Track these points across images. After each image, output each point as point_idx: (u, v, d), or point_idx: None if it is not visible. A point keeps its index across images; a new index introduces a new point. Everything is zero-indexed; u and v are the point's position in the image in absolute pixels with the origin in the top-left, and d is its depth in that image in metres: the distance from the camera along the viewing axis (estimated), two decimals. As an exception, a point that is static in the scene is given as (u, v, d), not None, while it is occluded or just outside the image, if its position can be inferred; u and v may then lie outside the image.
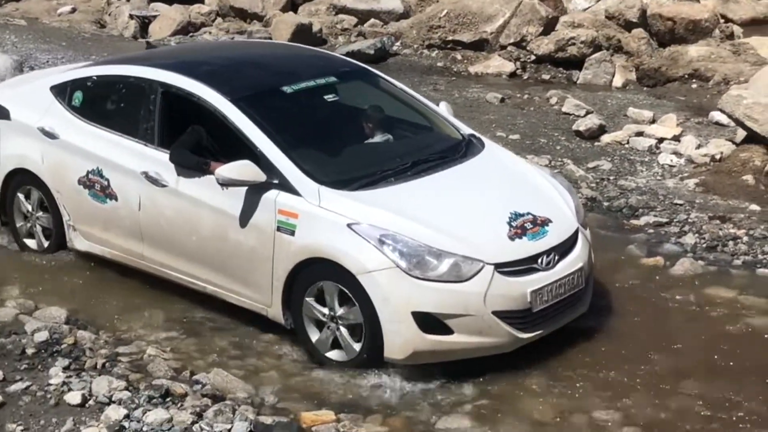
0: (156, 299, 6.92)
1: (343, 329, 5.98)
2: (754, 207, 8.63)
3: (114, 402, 5.46)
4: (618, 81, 13.65)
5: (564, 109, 11.69)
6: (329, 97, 6.93)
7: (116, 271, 7.24)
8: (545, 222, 6.17)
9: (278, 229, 6.08)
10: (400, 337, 5.75)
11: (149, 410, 5.34)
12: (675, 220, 8.41)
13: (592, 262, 6.49)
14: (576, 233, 6.32)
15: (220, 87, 6.60)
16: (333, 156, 6.55)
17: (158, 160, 6.67)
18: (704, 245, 7.93)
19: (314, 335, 6.11)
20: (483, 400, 5.70)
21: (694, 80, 13.41)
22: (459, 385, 5.80)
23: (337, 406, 5.68)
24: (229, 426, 5.23)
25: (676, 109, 11.96)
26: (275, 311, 6.23)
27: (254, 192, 6.19)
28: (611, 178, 9.49)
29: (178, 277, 6.75)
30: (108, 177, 6.93)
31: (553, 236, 6.13)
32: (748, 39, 14.88)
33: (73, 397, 5.49)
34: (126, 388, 5.59)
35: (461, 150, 6.75)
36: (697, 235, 8.09)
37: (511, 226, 6.05)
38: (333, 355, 6.06)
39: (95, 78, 7.39)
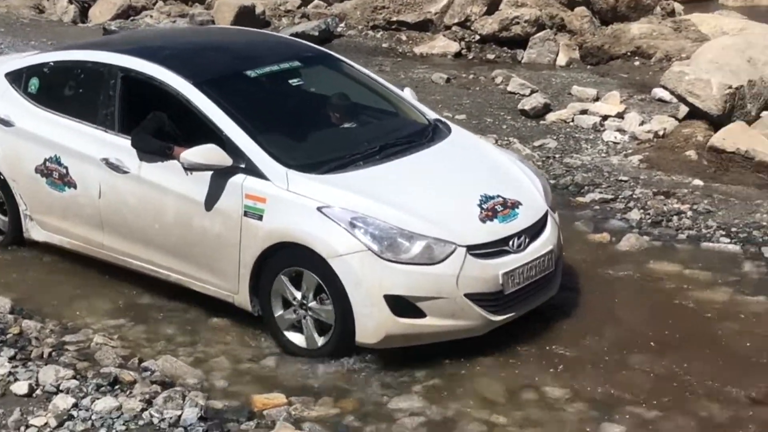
0: (104, 287, 6.85)
1: (309, 320, 5.91)
2: (698, 182, 8.74)
3: (62, 391, 5.38)
4: (562, 59, 13.75)
5: (509, 89, 11.74)
6: (293, 82, 6.87)
7: (64, 260, 7.15)
8: (515, 204, 6.13)
9: (245, 214, 5.96)
10: (373, 321, 5.68)
11: (98, 398, 5.28)
12: (620, 196, 8.50)
13: (561, 244, 6.48)
14: (545, 216, 6.29)
15: (181, 71, 6.48)
16: (299, 140, 6.47)
17: (119, 146, 6.53)
18: (649, 221, 8.02)
19: (278, 310, 6.01)
20: (434, 380, 5.71)
21: (636, 57, 13.54)
22: (410, 366, 5.80)
23: (288, 389, 5.65)
24: (179, 412, 5.19)
25: (620, 86, 12.08)
26: (242, 298, 6.13)
27: (220, 177, 6.07)
28: (557, 156, 9.55)
29: (139, 265, 6.62)
30: (66, 164, 6.79)
31: (524, 219, 6.10)
32: (689, 16, 15.06)
33: (20, 387, 5.40)
34: (74, 377, 5.51)
35: (428, 134, 6.71)
36: (642, 210, 8.18)
37: (482, 208, 6.00)
38: (290, 336, 6.00)
39: (52, 64, 7.21)
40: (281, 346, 6.04)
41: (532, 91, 11.59)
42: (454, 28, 14.40)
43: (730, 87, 10.17)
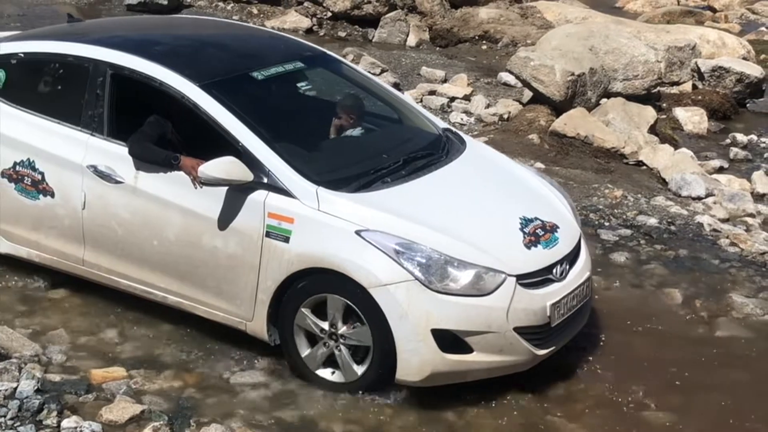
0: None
1: (343, 349, 5.31)
2: (539, 165, 8.99)
3: None
4: (412, 40, 13.90)
5: (356, 67, 11.77)
6: (302, 86, 6.39)
7: None
8: (554, 228, 5.66)
9: (268, 234, 5.35)
10: (418, 357, 5.13)
11: (-74, 371, 5.10)
12: (465, 176, 8.63)
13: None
14: (580, 239, 5.90)
15: (184, 70, 5.78)
16: (318, 152, 5.89)
17: (110, 152, 5.82)
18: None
19: (304, 350, 5.42)
20: (277, 355, 5.66)
21: (484, 41, 13.81)
22: (254, 343, 5.71)
23: (128, 362, 5.57)
24: (14, 384, 5.04)
25: (467, 69, 12.30)
26: (257, 326, 5.51)
27: (237, 192, 5.41)
28: (405, 135, 9.64)
29: (128, 285, 5.91)
30: (42, 170, 5.99)
31: (564, 244, 5.64)
32: (535, 3, 15.46)
33: None
34: None
35: (444, 146, 6.16)
36: (485, 191, 8.34)
37: (524, 233, 5.51)
38: (325, 374, 5.40)
39: (22, 55, 6.31)
40: (310, 383, 5.44)
41: (383, 71, 11.68)
42: (306, 4, 14.37)
43: (573, 74, 10.50)
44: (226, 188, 5.42)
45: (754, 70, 12.66)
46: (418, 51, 13.41)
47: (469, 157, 6.16)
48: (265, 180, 5.41)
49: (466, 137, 6.59)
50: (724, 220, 8.19)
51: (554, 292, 5.40)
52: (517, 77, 10.92)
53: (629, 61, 11.60)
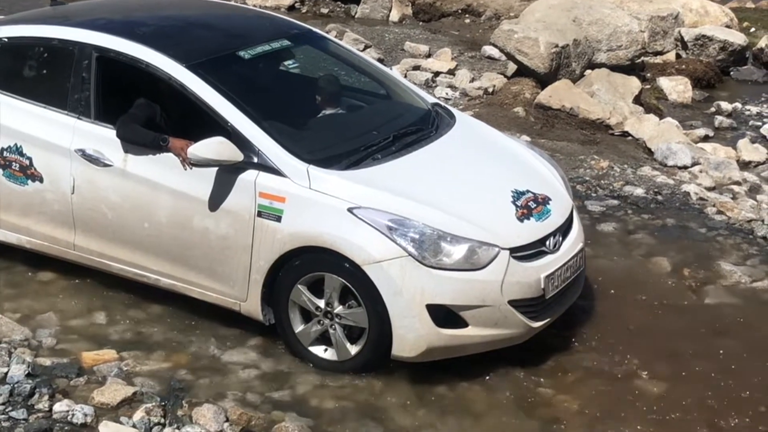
0: None
1: (338, 327, 5.31)
2: (525, 137, 8.98)
3: None
4: (395, 15, 13.85)
5: (343, 43, 11.73)
6: (289, 64, 6.33)
7: None
8: (545, 200, 5.65)
9: (259, 214, 5.31)
10: (413, 333, 5.14)
11: None
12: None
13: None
14: (572, 210, 5.89)
15: (170, 51, 5.72)
16: (308, 130, 5.87)
17: (98, 135, 5.77)
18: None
19: (298, 326, 5.41)
20: (268, 334, 5.68)
21: (467, 15, 13.77)
22: (245, 321, 5.69)
23: (119, 344, 5.56)
24: (5, 369, 5.04)
25: (451, 43, 12.27)
26: (251, 306, 5.49)
27: (227, 172, 5.38)
28: (390, 110, 9.61)
29: (120, 268, 5.88)
30: (30, 155, 5.94)
31: (556, 216, 5.62)
32: (517, -25, 15.34)
33: None
34: None
35: (434, 121, 6.13)
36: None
37: (516, 206, 5.50)
38: (318, 351, 5.41)
39: (5, 40, 6.25)
40: (305, 362, 5.46)
41: (366, 47, 11.64)
42: (288, -19, 14.27)
43: (557, 46, 10.49)
44: (215, 169, 5.38)
45: (737, 38, 12.66)
46: (402, 26, 13.37)
47: (458, 132, 6.14)
48: (255, 159, 5.37)
49: (456, 111, 6.55)
50: (710, 189, 8.21)
51: (548, 264, 5.40)
52: (501, 50, 10.90)
53: (613, 31, 11.59)
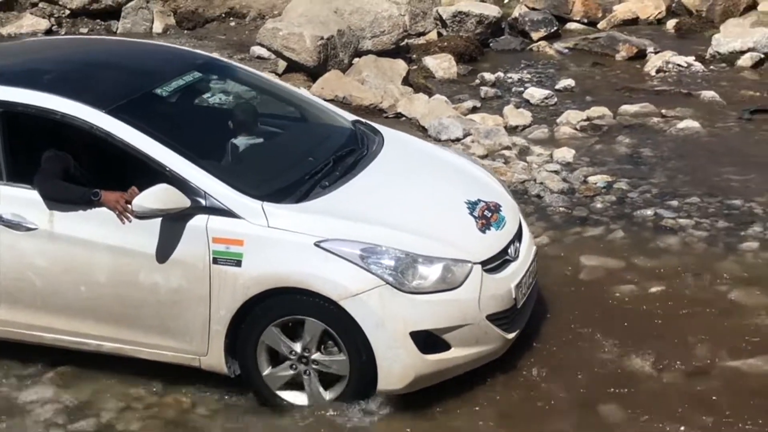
0: None
1: (312, 373, 5.04)
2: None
3: None
4: (158, 27, 13.72)
5: (248, 68, 11.49)
6: (207, 96, 6.04)
7: None
8: (497, 207, 5.54)
9: (215, 261, 4.96)
10: (399, 364, 4.90)
11: None
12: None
13: None
14: (519, 213, 5.83)
15: (84, 97, 5.27)
16: (244, 164, 5.55)
17: (15, 197, 5.26)
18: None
19: (265, 368, 5.11)
20: (62, 367, 5.50)
21: (231, 18, 13.81)
22: (40, 353, 5.50)
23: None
24: None
25: (219, 48, 12.29)
26: (213, 360, 5.12)
27: (172, 221, 4.99)
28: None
29: (54, 338, 5.40)
30: None
31: (511, 222, 5.53)
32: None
33: None
34: None
35: (363, 140, 5.91)
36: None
37: (474, 217, 5.37)
38: (287, 396, 5.12)
39: None
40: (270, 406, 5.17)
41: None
42: (41, 5, 13.89)
43: (322, 38, 10.69)
44: (159, 219, 5.01)
45: (492, 11, 13.26)
46: (167, 37, 13.23)
47: (392, 147, 5.95)
48: (204, 203, 5.02)
49: (378, 125, 6.38)
50: (483, 157, 8.55)
51: (514, 273, 5.33)
52: (269, 49, 11.00)
53: (374, 18, 11.89)
